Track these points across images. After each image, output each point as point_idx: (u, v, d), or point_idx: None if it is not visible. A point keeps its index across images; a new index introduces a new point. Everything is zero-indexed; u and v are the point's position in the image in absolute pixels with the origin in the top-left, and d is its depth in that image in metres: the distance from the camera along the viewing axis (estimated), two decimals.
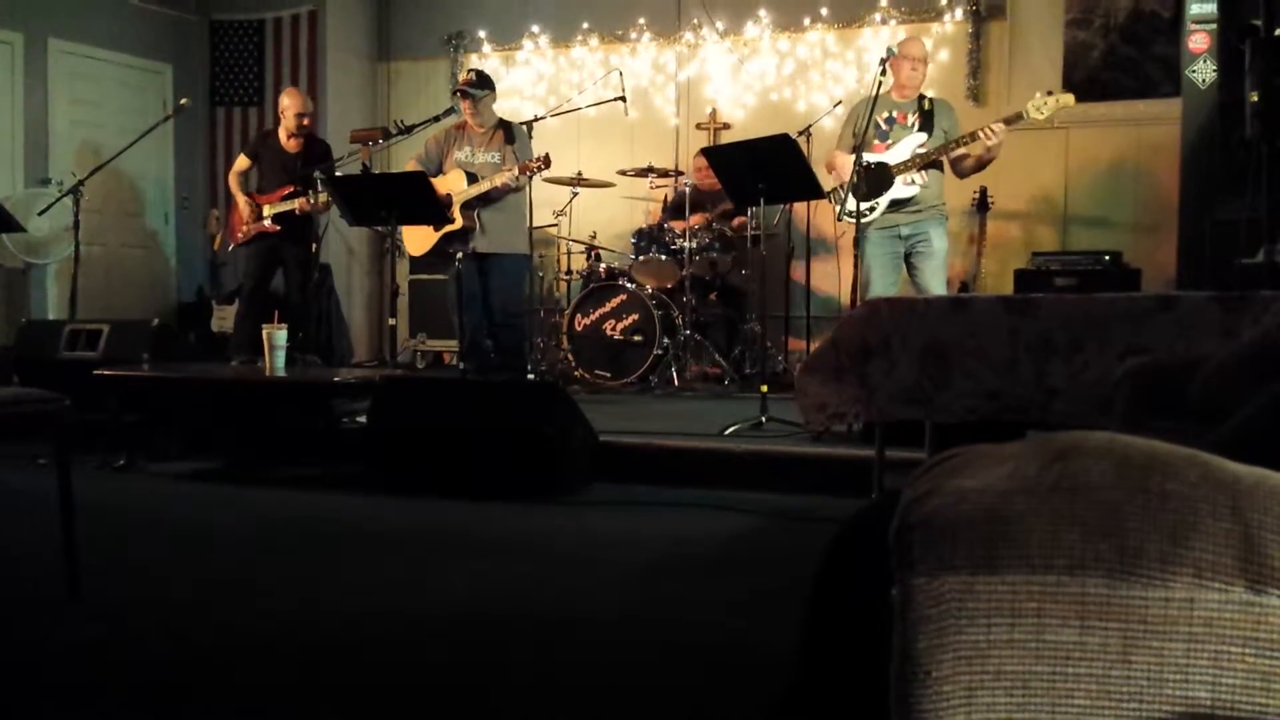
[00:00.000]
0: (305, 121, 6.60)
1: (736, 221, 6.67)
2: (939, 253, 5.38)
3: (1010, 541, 0.93)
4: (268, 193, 6.58)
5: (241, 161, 6.80)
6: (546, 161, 5.69)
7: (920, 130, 5.32)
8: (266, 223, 6.53)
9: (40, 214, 6.72)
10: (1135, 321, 3.06)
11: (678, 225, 6.63)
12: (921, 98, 5.40)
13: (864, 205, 5.14)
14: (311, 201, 6.38)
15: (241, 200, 6.64)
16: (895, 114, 5.37)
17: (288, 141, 6.64)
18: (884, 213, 5.30)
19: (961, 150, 5.25)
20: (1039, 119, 5.11)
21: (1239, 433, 1.31)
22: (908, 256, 5.42)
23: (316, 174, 6.18)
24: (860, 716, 1.25)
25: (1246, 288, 3.56)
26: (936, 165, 5.36)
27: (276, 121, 6.89)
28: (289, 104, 6.62)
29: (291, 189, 6.48)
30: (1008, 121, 5.09)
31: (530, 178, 5.76)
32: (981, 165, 5.34)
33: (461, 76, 6.40)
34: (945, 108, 5.45)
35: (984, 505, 0.95)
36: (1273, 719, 0.90)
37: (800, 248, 6.77)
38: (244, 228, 6.61)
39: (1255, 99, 4.29)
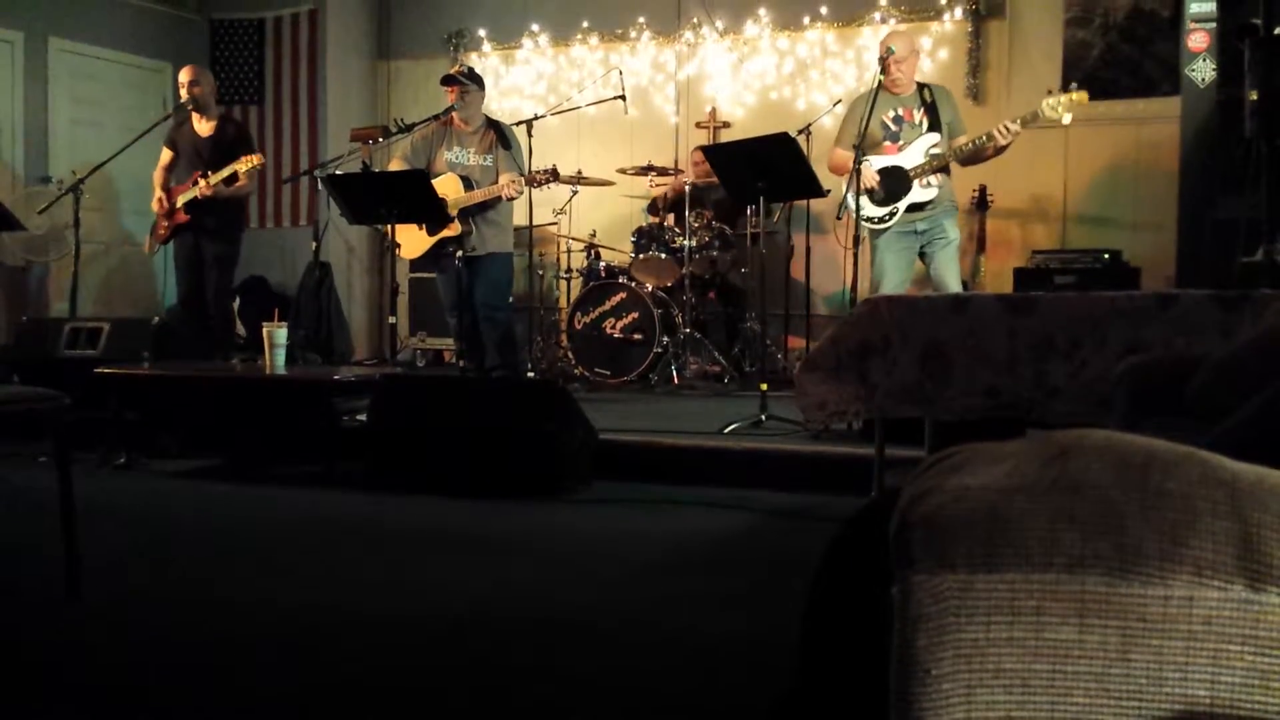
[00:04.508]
0: (196, 91, 6.22)
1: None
2: (954, 241, 5.38)
3: (1010, 540, 0.93)
4: (183, 182, 6.25)
5: (165, 155, 6.41)
6: (554, 174, 5.69)
7: (930, 130, 5.30)
8: (180, 213, 6.16)
9: (40, 212, 6.71)
10: (1134, 320, 3.06)
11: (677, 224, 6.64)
12: (921, 88, 5.37)
13: (884, 211, 5.20)
14: (211, 183, 5.98)
15: (156, 195, 6.31)
16: (901, 111, 5.33)
17: (200, 125, 6.32)
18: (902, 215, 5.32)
19: (971, 146, 5.22)
20: (1054, 118, 4.98)
21: (1238, 431, 1.32)
22: (923, 249, 5.42)
23: (316, 174, 6.12)
24: (860, 715, 1.25)
25: (1246, 286, 3.56)
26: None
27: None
28: (181, 79, 6.32)
29: (200, 175, 6.11)
30: (1024, 121, 5.00)
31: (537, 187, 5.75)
32: (983, 159, 5.33)
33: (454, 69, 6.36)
34: (945, 96, 5.41)
35: (984, 503, 0.95)
36: (1272, 717, 0.90)
37: (799, 246, 6.78)
38: (163, 225, 6.27)
39: (1255, 98, 4.29)
